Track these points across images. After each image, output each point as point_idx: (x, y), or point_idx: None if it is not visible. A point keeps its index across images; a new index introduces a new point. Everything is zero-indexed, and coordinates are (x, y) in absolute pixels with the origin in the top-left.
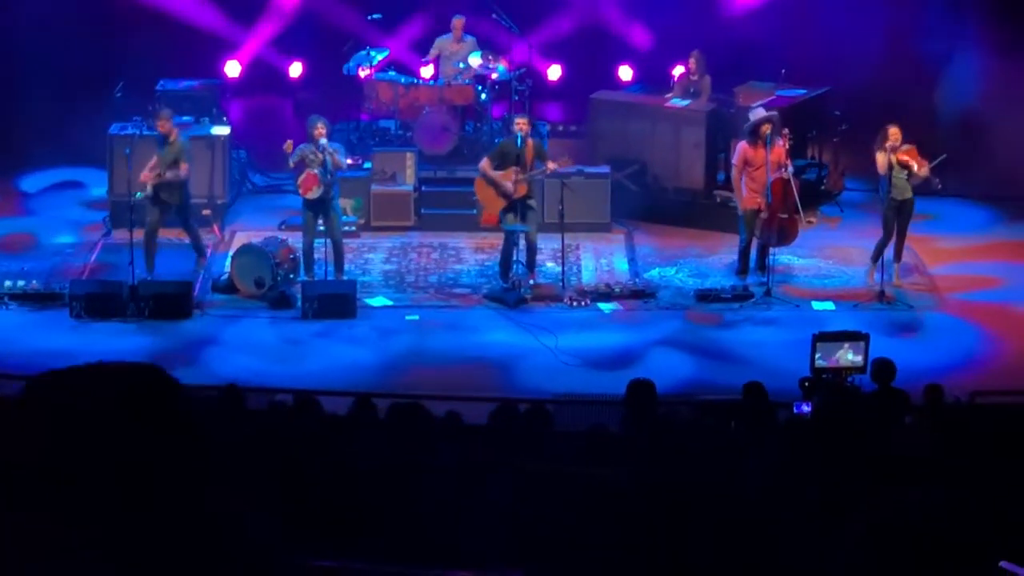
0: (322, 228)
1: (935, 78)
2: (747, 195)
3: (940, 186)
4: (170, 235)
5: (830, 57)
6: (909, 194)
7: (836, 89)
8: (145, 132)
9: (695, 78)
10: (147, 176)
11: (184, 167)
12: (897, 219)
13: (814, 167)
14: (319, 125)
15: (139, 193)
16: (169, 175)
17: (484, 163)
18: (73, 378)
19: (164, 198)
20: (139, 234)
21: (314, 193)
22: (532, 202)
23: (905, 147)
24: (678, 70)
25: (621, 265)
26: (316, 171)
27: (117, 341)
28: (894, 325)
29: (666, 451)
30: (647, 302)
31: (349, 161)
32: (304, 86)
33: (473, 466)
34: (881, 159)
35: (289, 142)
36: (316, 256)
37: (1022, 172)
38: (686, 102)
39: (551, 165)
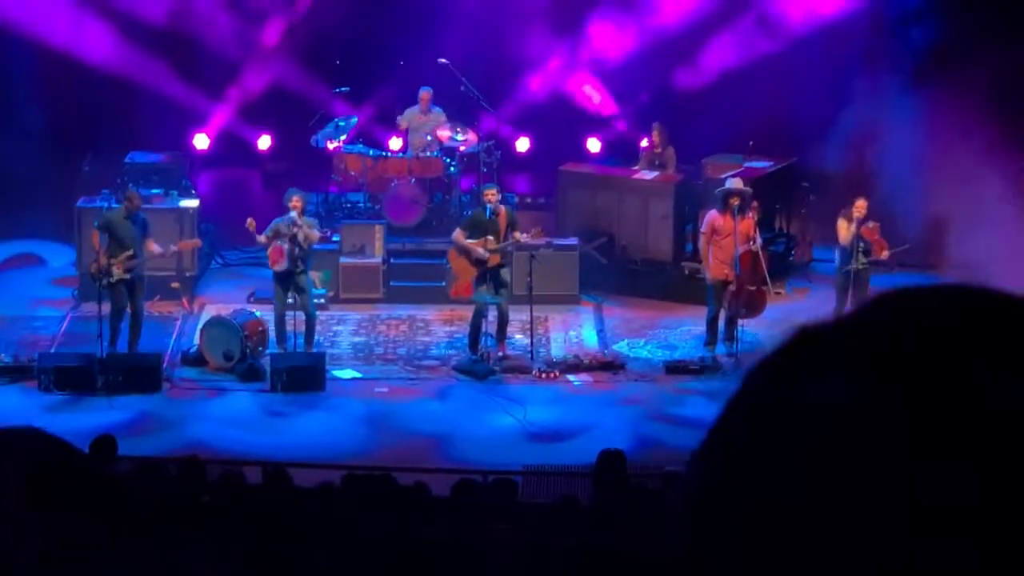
0: (291, 301)
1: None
2: (714, 264)
3: (896, 269)
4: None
5: (797, 128)
6: (866, 265)
7: (803, 160)
8: (114, 205)
9: (659, 150)
10: (117, 265)
11: (151, 244)
12: (854, 289)
13: (782, 239)
14: (295, 198)
15: (107, 278)
16: (157, 252)
17: (457, 233)
18: None
19: (137, 274)
20: (108, 307)
21: (280, 266)
22: (504, 272)
23: (870, 224)
24: (644, 142)
25: (590, 337)
26: (284, 244)
27: (85, 414)
28: None
29: (636, 521)
30: (616, 374)
31: (318, 238)
32: (272, 158)
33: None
34: (843, 228)
35: (251, 220)
36: (287, 328)
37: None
38: (653, 174)
39: (517, 235)
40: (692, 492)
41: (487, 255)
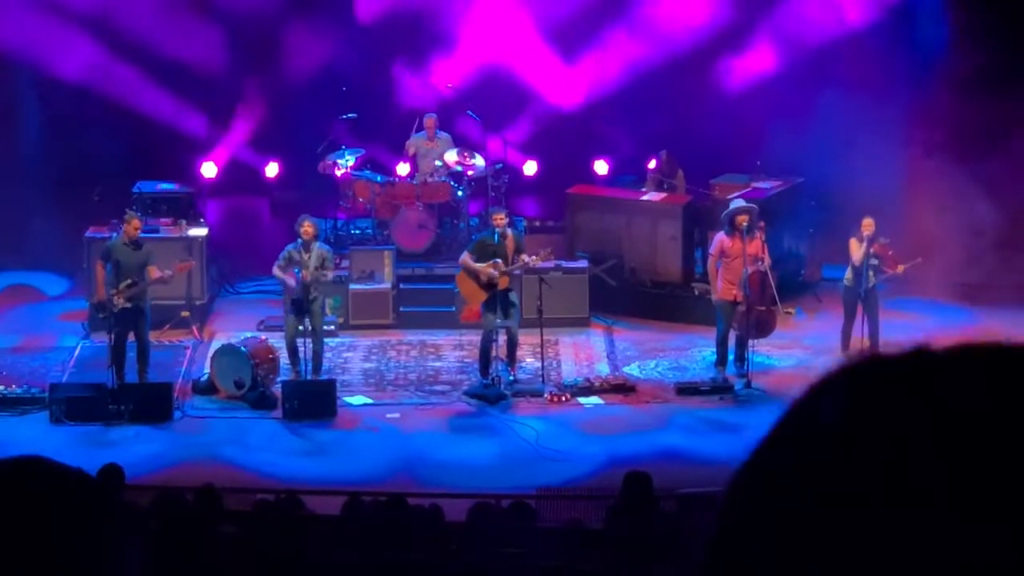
0: (301, 328)
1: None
2: (722, 286)
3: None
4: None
5: (804, 147)
6: (872, 281)
7: (811, 179)
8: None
9: (667, 176)
10: (119, 295)
11: (153, 270)
12: (865, 306)
13: (790, 258)
14: (306, 224)
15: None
16: (156, 276)
17: (465, 257)
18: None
19: (139, 304)
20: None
21: (291, 293)
22: (513, 296)
23: (881, 239)
24: (652, 164)
25: (600, 359)
26: (297, 271)
27: (97, 444)
28: None
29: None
30: (627, 396)
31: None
32: (280, 186)
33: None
34: (855, 248)
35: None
36: (299, 354)
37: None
38: (661, 195)
39: (523, 258)
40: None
41: (497, 275)
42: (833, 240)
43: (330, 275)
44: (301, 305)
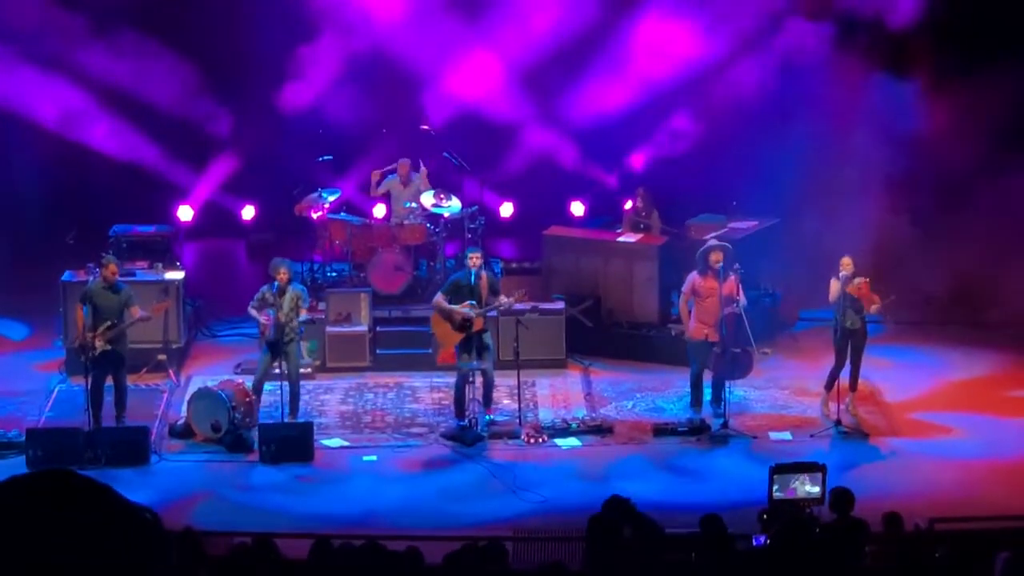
0: (277, 371)
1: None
2: (695, 325)
3: (889, 322)
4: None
5: (781, 187)
6: (859, 323)
7: (787, 219)
8: (96, 278)
9: (643, 215)
10: (98, 338)
11: (136, 310)
12: (850, 347)
13: (767, 297)
14: (281, 269)
15: (91, 352)
16: (127, 322)
17: (438, 298)
18: None
19: (117, 348)
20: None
21: (268, 335)
22: (487, 338)
23: (858, 280)
24: (628, 205)
25: (577, 400)
26: (272, 313)
27: None
28: (851, 453)
29: None
30: (604, 437)
31: (305, 311)
32: (257, 229)
33: None
34: (834, 288)
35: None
36: (273, 399)
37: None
38: (637, 237)
39: (501, 299)
40: None
41: (472, 314)
42: (812, 281)
43: (303, 314)
44: (275, 347)
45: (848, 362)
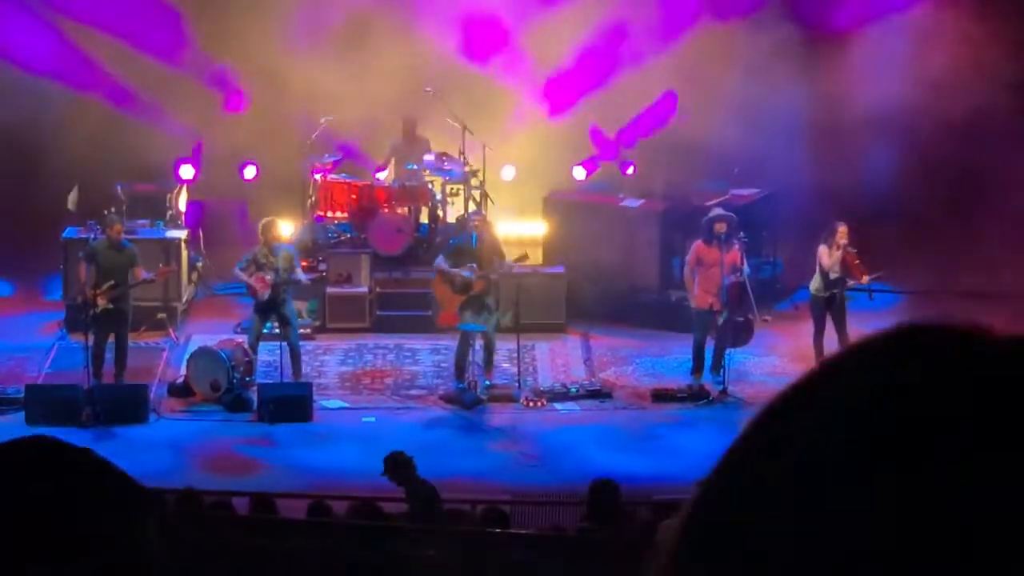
0: (277, 331)
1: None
2: (699, 293)
3: (872, 296)
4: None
5: (781, 155)
6: (836, 288)
7: (789, 186)
8: (100, 236)
9: (644, 179)
10: (100, 296)
11: (139, 271)
12: (833, 315)
13: (768, 265)
14: (274, 228)
15: (92, 309)
16: (131, 282)
17: (439, 260)
18: None
19: (120, 306)
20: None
21: (262, 296)
22: (489, 300)
23: (849, 249)
24: (630, 170)
25: (577, 365)
26: (266, 275)
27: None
28: None
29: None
30: (603, 402)
31: (304, 264)
32: (258, 188)
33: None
34: (826, 256)
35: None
36: (271, 359)
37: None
38: (639, 201)
39: (503, 260)
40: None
41: (472, 277)
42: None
43: (299, 274)
44: (267, 308)
45: (836, 332)
